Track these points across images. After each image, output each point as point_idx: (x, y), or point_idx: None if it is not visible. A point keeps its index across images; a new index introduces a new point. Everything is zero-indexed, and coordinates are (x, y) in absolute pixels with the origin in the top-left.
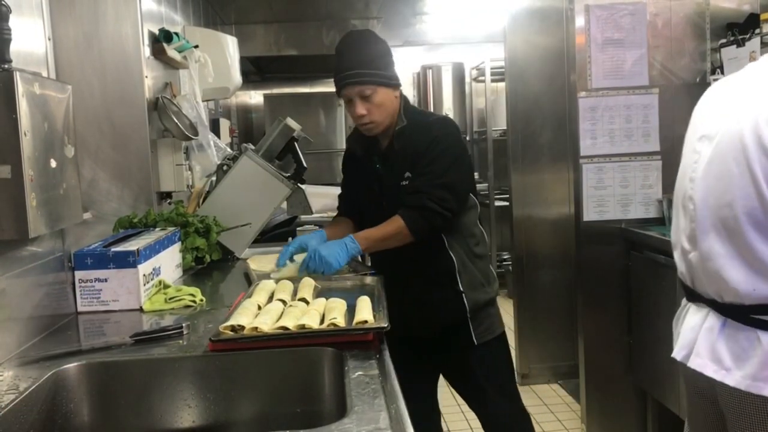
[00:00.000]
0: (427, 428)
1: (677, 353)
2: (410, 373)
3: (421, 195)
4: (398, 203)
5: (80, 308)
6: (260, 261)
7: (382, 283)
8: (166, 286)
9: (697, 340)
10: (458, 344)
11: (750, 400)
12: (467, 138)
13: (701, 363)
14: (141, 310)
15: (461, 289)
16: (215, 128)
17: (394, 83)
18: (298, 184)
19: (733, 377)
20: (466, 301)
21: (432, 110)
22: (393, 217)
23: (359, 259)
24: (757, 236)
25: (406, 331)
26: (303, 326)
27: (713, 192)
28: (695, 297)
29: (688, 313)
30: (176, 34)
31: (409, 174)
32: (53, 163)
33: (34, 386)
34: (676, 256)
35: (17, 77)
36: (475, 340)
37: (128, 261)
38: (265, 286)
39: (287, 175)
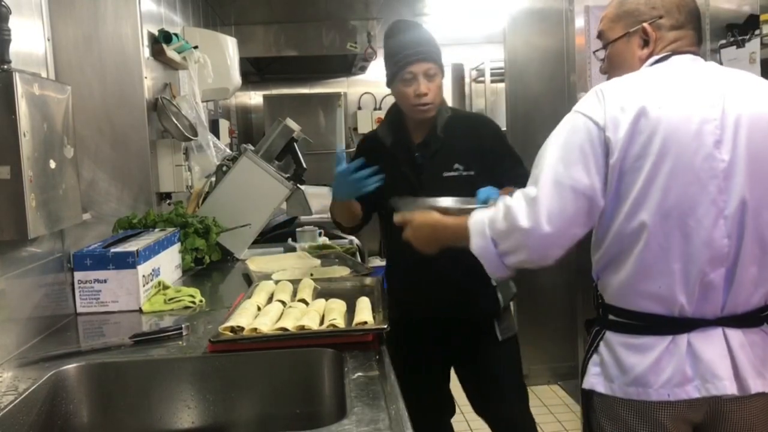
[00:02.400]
0: (438, 424)
1: (728, 388)
2: (422, 364)
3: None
4: (438, 193)
5: (79, 309)
6: (259, 262)
7: (382, 283)
8: (166, 287)
9: (739, 364)
10: (485, 339)
11: None
12: None
13: (764, 383)
14: (140, 311)
15: (494, 283)
16: (215, 129)
17: (442, 73)
18: (298, 185)
19: None
20: (500, 296)
21: None
22: None
23: (359, 259)
24: None
25: (434, 313)
26: (302, 327)
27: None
28: (690, 324)
29: (693, 343)
30: (176, 34)
31: (460, 166)
32: (53, 164)
33: (33, 387)
34: (670, 286)
35: (17, 78)
36: (499, 336)
37: (128, 262)
38: (264, 287)
39: (287, 175)
